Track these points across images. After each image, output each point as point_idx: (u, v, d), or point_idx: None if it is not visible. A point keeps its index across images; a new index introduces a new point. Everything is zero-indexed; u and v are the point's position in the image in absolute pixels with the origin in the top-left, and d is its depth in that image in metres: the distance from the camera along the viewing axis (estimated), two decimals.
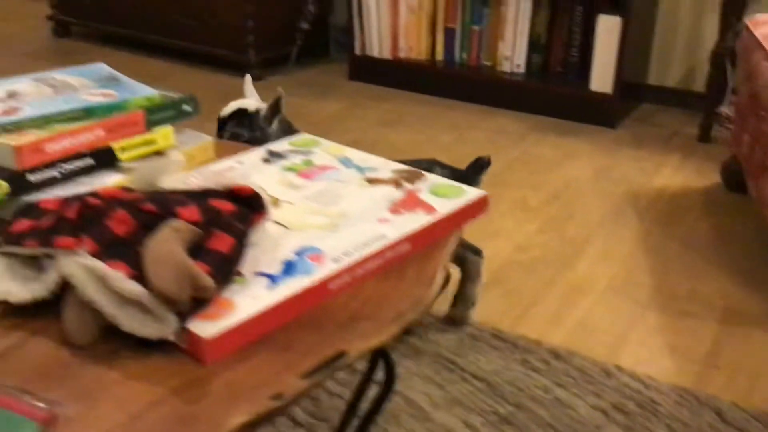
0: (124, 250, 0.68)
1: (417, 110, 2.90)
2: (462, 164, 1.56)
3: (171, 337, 0.65)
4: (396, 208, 0.86)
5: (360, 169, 0.96)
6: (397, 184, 0.92)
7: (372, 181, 0.92)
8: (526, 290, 1.71)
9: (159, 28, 3.46)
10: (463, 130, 2.69)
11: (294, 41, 3.36)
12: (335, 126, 2.78)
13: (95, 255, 0.68)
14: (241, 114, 1.52)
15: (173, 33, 3.41)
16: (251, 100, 1.57)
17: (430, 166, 1.49)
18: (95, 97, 0.98)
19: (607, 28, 2.66)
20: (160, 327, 0.65)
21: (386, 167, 0.97)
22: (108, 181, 0.92)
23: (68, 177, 0.90)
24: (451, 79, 3.04)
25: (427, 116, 2.84)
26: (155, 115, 1.00)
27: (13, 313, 0.71)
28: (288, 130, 1.54)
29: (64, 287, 0.69)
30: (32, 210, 0.77)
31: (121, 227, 0.70)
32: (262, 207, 0.78)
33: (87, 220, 0.71)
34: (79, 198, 0.75)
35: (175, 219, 0.71)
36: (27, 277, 0.72)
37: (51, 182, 0.88)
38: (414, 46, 3.12)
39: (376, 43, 3.19)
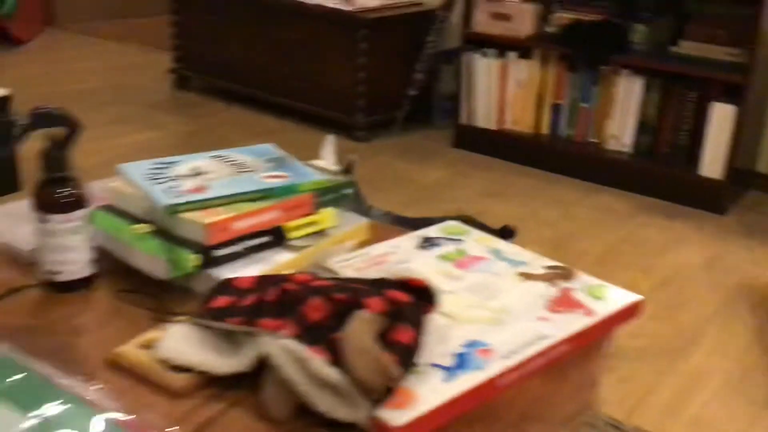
0: (320, 336, 0.75)
1: (521, 182, 2.95)
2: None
3: (362, 422, 0.70)
4: (553, 306, 0.90)
5: (512, 263, 1.01)
6: (551, 281, 0.96)
7: (526, 277, 0.97)
8: (640, 379, 1.70)
9: (273, 87, 3.64)
10: (568, 206, 2.71)
11: (400, 106, 3.47)
12: (440, 193, 2.84)
13: (295, 338, 0.75)
14: None
15: (287, 92, 3.59)
16: (322, 162, 1.63)
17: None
18: (271, 178, 1.07)
19: (721, 116, 2.66)
20: (353, 411, 0.70)
21: (536, 262, 1.02)
22: (279, 258, 0.99)
23: (247, 253, 0.98)
24: (556, 153, 3.08)
25: (530, 189, 2.88)
26: (321, 197, 1.08)
27: (210, 384, 0.78)
28: (357, 195, 1.59)
29: (262, 364, 0.76)
30: (227, 288, 0.85)
31: (316, 314, 0.77)
32: (432, 299, 0.84)
33: (286, 305, 0.78)
34: (274, 282, 0.83)
35: (363, 310, 0.77)
36: (221, 350, 0.80)
37: (232, 257, 0.97)
38: (520, 118, 3.19)
39: (482, 113, 3.26)
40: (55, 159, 0.90)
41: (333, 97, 3.42)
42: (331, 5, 3.35)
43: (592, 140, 3.04)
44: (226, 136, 3.43)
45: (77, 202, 0.92)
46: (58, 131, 0.90)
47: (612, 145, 2.99)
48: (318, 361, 0.72)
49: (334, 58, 3.37)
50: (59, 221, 0.91)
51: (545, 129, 3.14)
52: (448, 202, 2.75)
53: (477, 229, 1.52)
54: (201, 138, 3.43)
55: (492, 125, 3.24)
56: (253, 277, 0.87)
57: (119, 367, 0.81)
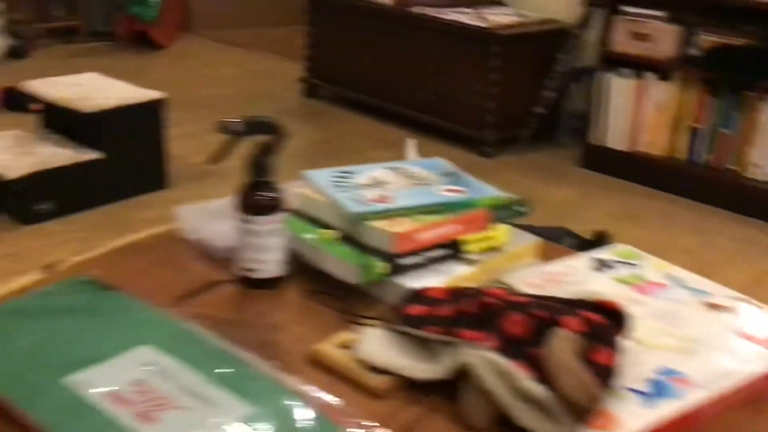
0: (520, 351, 0.77)
1: (654, 206, 2.87)
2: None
3: None
4: (745, 339, 0.88)
5: (693, 291, 1.00)
6: (737, 312, 0.94)
7: (712, 306, 0.96)
8: None
9: (403, 99, 3.70)
10: (707, 235, 2.62)
11: (528, 124, 3.46)
12: (569, 213, 2.81)
13: (496, 351, 0.77)
14: None
15: (416, 105, 3.64)
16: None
17: (559, 234, 1.49)
18: (448, 192, 1.10)
19: None
20: (556, 427, 0.72)
21: (718, 291, 1.00)
22: (456, 271, 1.02)
23: (427, 264, 1.01)
24: (693, 179, 2.98)
25: (665, 214, 2.80)
26: (496, 213, 1.10)
27: (406, 388, 0.81)
28: None
29: (460, 373, 0.78)
30: (420, 297, 0.89)
31: (516, 328, 0.78)
32: (623, 323, 0.84)
33: (485, 318, 0.80)
34: (468, 294, 0.85)
35: (562, 328, 0.78)
36: (418, 356, 0.83)
37: (414, 267, 1.00)
38: (654, 141, 3.11)
39: (614, 133, 3.20)
40: (261, 164, 0.97)
41: (462, 112, 3.44)
42: (465, 21, 3.39)
43: (732, 167, 2.93)
44: (354, 146, 3.52)
45: (277, 206, 0.98)
46: (267, 139, 0.96)
47: (753, 174, 2.87)
48: (522, 375, 0.73)
49: (465, 73, 3.39)
50: (260, 222, 0.97)
51: (681, 153, 3.05)
52: (577, 223, 2.71)
53: (571, 238, 1.51)
54: (331, 146, 3.53)
55: (624, 146, 3.18)
56: (444, 288, 0.90)
57: (317, 364, 0.85)
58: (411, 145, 1.72)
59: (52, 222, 2.51)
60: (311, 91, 4.25)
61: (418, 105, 3.62)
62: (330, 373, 0.84)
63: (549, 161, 3.37)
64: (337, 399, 0.77)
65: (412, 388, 0.81)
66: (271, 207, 0.97)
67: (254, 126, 0.95)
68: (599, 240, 2.18)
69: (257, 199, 0.97)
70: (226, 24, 5.78)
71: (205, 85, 4.43)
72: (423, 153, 1.30)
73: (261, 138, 0.96)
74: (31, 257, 2.31)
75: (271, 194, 0.97)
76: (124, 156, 2.65)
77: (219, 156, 0.97)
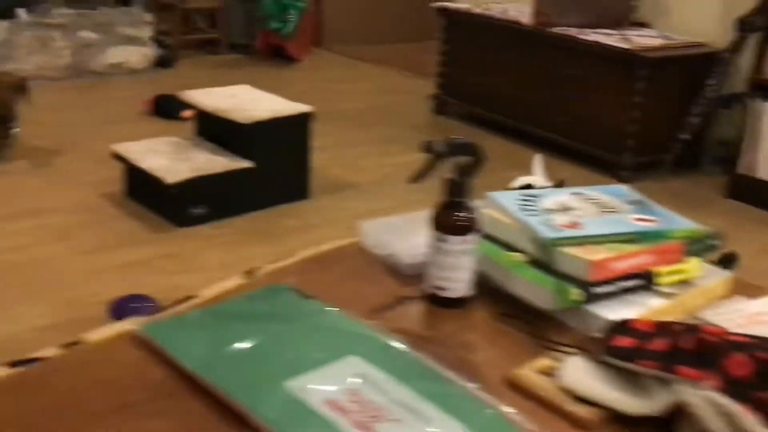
0: (745, 393, 0.74)
1: None
2: None
3: None
4: None
5: None
6: None
7: None
8: None
9: (535, 119, 3.66)
10: None
11: (670, 149, 3.34)
12: None
13: (719, 392, 0.74)
14: (527, 189, 1.62)
15: (551, 126, 3.59)
16: (533, 178, 1.64)
17: None
18: (639, 222, 1.07)
19: None
20: None
21: None
22: (649, 303, 0.99)
23: (619, 294, 0.99)
24: None
25: None
26: (690, 246, 1.06)
27: (612, 421, 0.80)
28: None
29: (676, 411, 0.76)
30: (626, 328, 0.87)
31: (741, 370, 0.75)
32: None
33: (705, 355, 0.78)
34: (685, 330, 0.83)
35: None
36: (626, 389, 0.81)
37: (608, 296, 0.98)
38: None
39: (765, 163, 3.05)
40: (458, 185, 0.98)
41: (600, 135, 3.36)
42: (609, 42, 3.31)
43: None
44: (486, 164, 3.50)
45: (472, 227, 0.98)
46: (466, 160, 0.97)
47: None
48: (750, 419, 0.71)
49: (607, 95, 3.32)
50: (454, 242, 0.98)
51: None
52: None
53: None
54: None
55: None
56: (650, 321, 0.87)
57: (516, 388, 0.85)
58: (538, 161, 1.72)
59: (205, 225, 2.64)
60: (441, 107, 4.27)
61: (553, 126, 3.57)
62: (529, 398, 0.83)
63: (692, 189, 3.24)
64: (539, 426, 0.77)
65: (619, 421, 0.79)
66: (466, 228, 0.98)
67: (455, 147, 0.97)
68: (726, 262, 2.08)
69: (453, 219, 0.98)
70: (356, 40, 5.91)
71: (337, 99, 4.54)
72: (557, 175, 1.29)
73: (461, 159, 0.98)
74: (186, 258, 2.43)
75: (466, 215, 0.98)
76: (273, 166, 2.74)
77: (421, 174, 0.98)
